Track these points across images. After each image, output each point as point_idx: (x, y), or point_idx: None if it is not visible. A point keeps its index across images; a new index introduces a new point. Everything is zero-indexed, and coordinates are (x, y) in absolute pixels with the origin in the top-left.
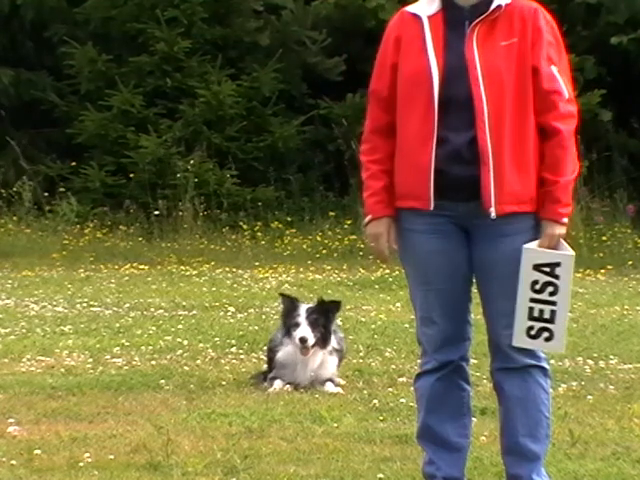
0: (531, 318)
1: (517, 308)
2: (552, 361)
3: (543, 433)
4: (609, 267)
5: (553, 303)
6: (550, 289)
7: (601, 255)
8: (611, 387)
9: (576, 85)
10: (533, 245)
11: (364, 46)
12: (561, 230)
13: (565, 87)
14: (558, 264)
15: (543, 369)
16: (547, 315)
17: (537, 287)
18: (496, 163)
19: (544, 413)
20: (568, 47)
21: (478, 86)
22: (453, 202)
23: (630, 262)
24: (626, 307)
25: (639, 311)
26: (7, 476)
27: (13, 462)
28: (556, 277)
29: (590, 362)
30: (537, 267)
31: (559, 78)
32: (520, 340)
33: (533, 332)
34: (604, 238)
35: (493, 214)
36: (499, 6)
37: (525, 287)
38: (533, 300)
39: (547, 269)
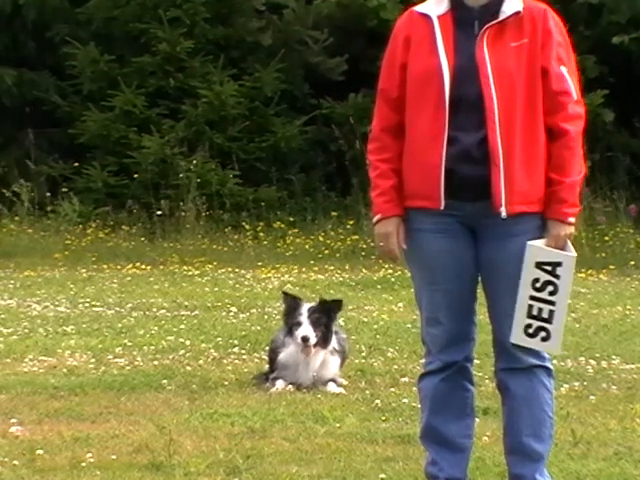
0: (530, 316)
1: (517, 305)
2: (554, 361)
3: (547, 433)
4: (611, 267)
5: (552, 303)
6: (550, 288)
7: (603, 255)
8: (613, 387)
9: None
10: (537, 242)
11: (366, 46)
12: (567, 230)
13: (574, 88)
14: (559, 264)
15: (547, 369)
16: (545, 314)
17: (538, 285)
18: (506, 163)
19: (548, 413)
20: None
21: (489, 86)
22: (461, 202)
23: (632, 262)
24: (628, 307)
25: None
26: (9, 476)
27: (15, 462)
28: (557, 277)
29: (592, 362)
30: (539, 265)
31: (568, 79)
32: (518, 337)
33: (531, 330)
34: (606, 238)
35: (504, 214)
36: (518, 12)
37: (526, 284)
38: (533, 298)
39: (549, 268)
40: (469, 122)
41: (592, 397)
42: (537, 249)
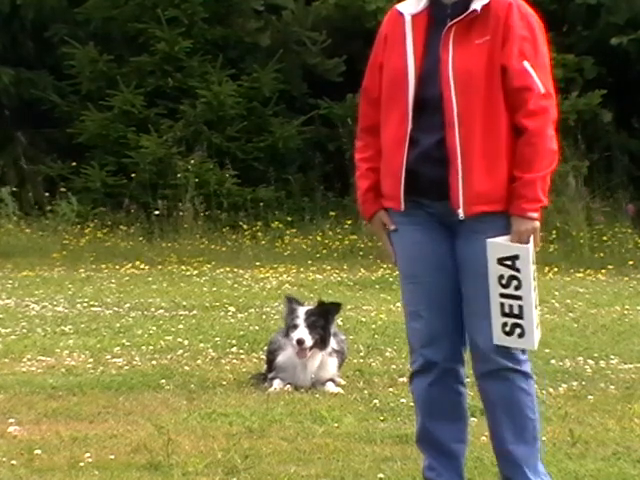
0: (504, 314)
1: (491, 305)
2: (552, 361)
3: (530, 436)
4: (610, 267)
5: (519, 298)
6: (515, 283)
7: (602, 255)
8: (612, 387)
9: (576, 85)
10: (497, 239)
11: (364, 47)
12: (528, 225)
13: (539, 81)
14: (517, 257)
15: (523, 373)
16: (516, 310)
17: (503, 282)
18: (465, 164)
19: (529, 416)
20: (568, 47)
21: (449, 87)
22: (430, 200)
23: (631, 262)
24: (627, 307)
25: (639, 311)
26: (7, 476)
27: (14, 462)
28: (517, 270)
29: (591, 362)
30: (500, 261)
31: (532, 73)
32: (499, 338)
33: (507, 329)
34: (605, 238)
35: (461, 215)
36: (474, 10)
37: (493, 282)
38: (502, 295)
39: (509, 262)
40: (431, 123)
41: (590, 397)
42: (495, 245)
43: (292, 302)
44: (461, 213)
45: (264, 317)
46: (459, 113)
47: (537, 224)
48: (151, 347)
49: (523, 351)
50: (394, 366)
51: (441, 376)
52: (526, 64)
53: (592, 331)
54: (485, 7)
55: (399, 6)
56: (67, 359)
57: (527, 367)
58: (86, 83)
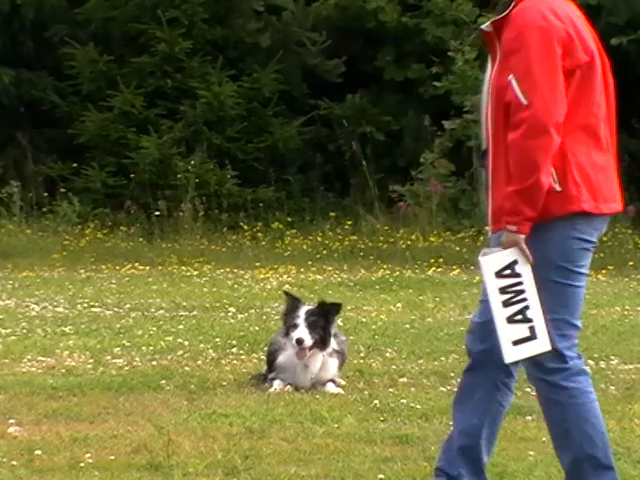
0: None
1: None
2: None
3: (566, 444)
4: (610, 268)
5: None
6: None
7: (602, 255)
8: (612, 387)
9: None
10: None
11: (364, 47)
12: (508, 237)
13: (521, 93)
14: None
15: (547, 382)
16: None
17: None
18: (493, 180)
19: (562, 426)
20: None
21: (487, 104)
22: None
23: (631, 263)
24: (627, 308)
25: (639, 311)
26: (8, 476)
27: (14, 462)
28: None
29: (591, 362)
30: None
31: (514, 86)
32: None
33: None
34: (605, 239)
35: (490, 233)
36: (480, 30)
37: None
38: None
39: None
40: None
41: None
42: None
43: (293, 300)
44: (489, 231)
45: (264, 318)
46: (491, 130)
47: (519, 237)
48: (151, 348)
49: (555, 358)
50: (394, 367)
51: (474, 367)
52: (510, 78)
53: (592, 331)
54: (498, 22)
55: None
56: (67, 360)
57: (557, 377)
58: (86, 84)
